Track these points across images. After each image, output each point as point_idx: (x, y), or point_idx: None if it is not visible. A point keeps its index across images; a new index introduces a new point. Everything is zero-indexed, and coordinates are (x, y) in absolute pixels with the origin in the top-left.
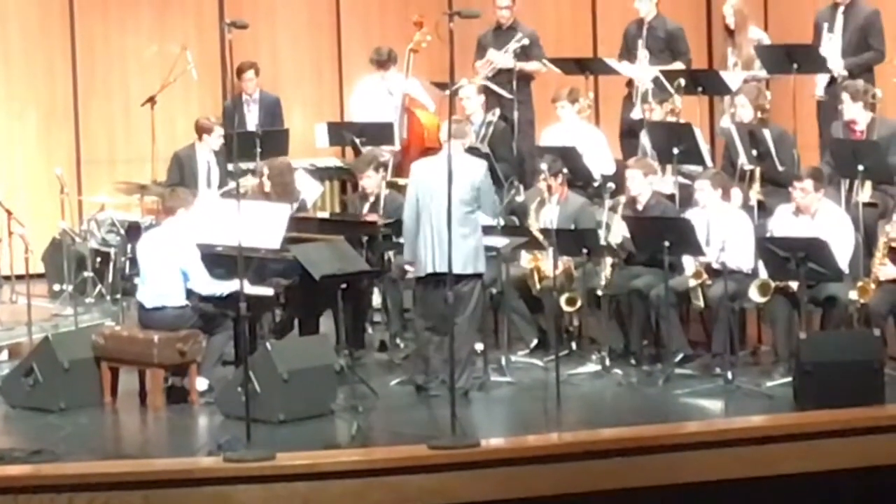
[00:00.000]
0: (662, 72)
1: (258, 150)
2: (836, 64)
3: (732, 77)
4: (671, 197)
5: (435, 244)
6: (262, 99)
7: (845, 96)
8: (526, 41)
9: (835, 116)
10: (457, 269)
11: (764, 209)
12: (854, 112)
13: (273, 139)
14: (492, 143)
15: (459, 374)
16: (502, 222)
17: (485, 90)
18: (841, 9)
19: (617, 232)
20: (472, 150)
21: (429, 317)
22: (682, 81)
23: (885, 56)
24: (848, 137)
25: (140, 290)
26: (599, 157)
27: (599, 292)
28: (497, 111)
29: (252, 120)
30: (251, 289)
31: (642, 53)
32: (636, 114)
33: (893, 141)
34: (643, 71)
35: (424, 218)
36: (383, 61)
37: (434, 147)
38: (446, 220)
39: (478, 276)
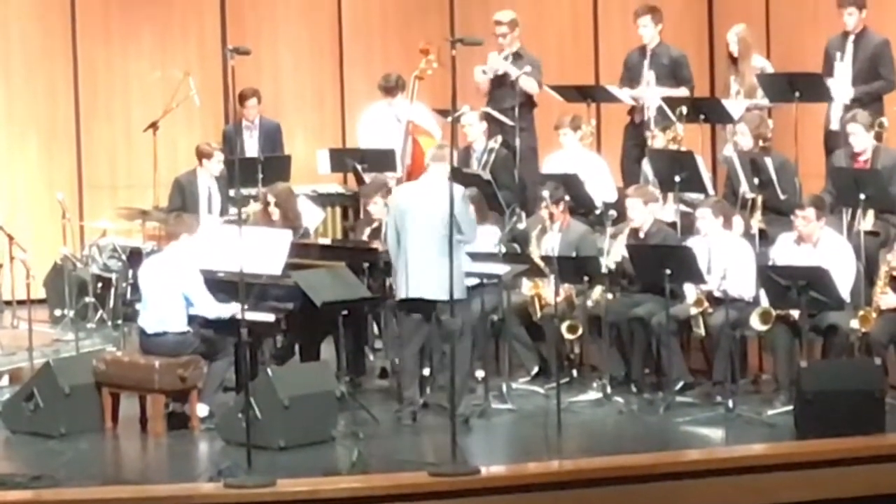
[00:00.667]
0: (665, 99)
1: (260, 176)
2: (846, 92)
3: (735, 105)
4: (673, 225)
5: (411, 269)
6: (262, 125)
7: (858, 127)
8: (528, 68)
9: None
10: (438, 295)
11: (765, 237)
12: (866, 142)
13: (275, 165)
14: (494, 170)
15: (458, 399)
16: (504, 249)
17: (487, 117)
18: (851, 38)
19: (615, 254)
20: (474, 177)
21: (406, 341)
22: (684, 109)
23: (894, 85)
24: (850, 166)
25: (141, 315)
26: (601, 185)
27: (589, 303)
28: (499, 138)
29: (252, 146)
30: (252, 315)
31: (649, 76)
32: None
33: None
34: (651, 93)
35: (402, 243)
36: (391, 88)
37: None
38: (424, 244)
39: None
